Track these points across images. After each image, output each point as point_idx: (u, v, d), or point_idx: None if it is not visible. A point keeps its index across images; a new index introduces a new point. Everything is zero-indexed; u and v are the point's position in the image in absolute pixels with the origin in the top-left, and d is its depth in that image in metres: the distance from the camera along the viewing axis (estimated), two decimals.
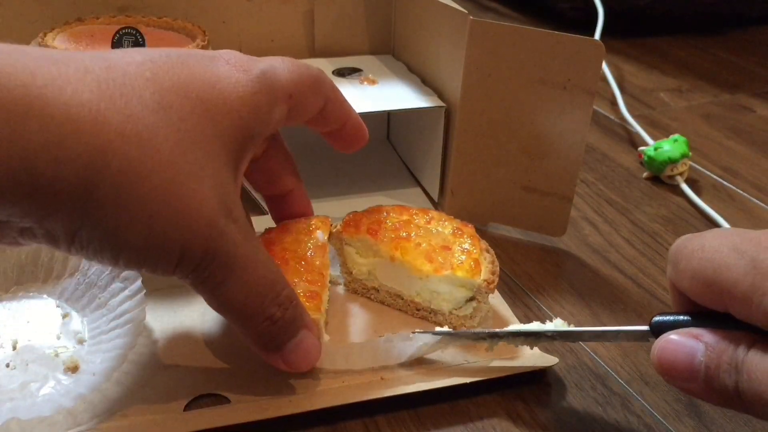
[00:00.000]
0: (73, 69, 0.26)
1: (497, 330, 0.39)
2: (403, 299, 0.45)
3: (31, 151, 0.24)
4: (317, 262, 0.41)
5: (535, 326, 0.38)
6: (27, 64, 0.25)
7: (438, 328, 0.41)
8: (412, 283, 0.43)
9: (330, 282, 0.47)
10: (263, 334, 0.34)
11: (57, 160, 0.24)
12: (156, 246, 0.28)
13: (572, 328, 0.38)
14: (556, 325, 0.38)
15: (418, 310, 0.44)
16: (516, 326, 0.39)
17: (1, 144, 0.23)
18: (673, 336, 0.31)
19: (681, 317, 0.32)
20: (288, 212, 0.43)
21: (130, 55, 0.29)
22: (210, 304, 0.33)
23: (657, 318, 0.33)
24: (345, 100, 0.39)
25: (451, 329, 0.41)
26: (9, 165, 0.24)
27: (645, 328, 0.34)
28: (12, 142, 0.23)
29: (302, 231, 0.42)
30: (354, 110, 0.40)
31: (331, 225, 0.44)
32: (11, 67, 0.24)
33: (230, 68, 0.32)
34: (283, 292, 0.34)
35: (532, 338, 0.38)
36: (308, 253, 0.41)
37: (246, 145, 0.32)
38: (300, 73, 0.35)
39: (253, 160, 0.39)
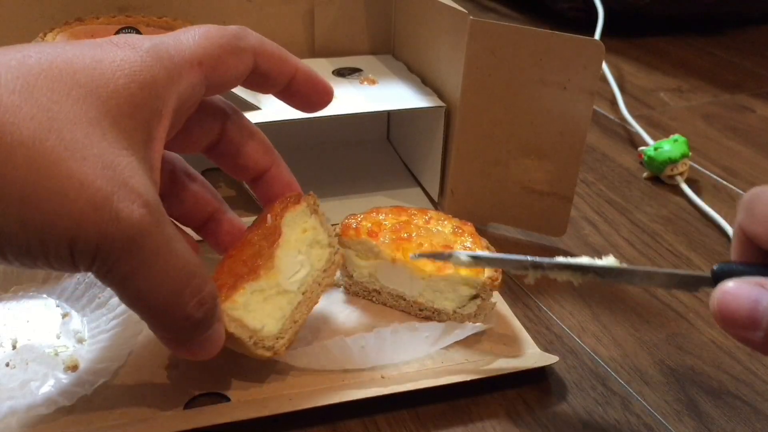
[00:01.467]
0: None
1: (543, 259, 0.36)
2: (405, 300, 0.45)
3: None
4: (266, 251, 0.38)
5: (584, 260, 0.35)
6: None
7: (478, 252, 0.40)
8: (414, 283, 0.43)
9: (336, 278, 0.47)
10: (176, 331, 0.31)
11: None
12: (38, 233, 0.26)
13: (624, 265, 0.35)
14: (608, 261, 0.35)
15: (421, 310, 0.44)
16: (563, 258, 0.36)
17: None
18: (736, 282, 0.29)
19: (746, 266, 0.31)
20: (270, 193, 0.40)
21: (8, 48, 0.28)
22: (121, 300, 0.30)
23: (720, 265, 0.31)
24: (285, 53, 0.36)
25: (491, 253, 0.41)
26: None
27: (706, 273, 0.32)
28: None
29: (262, 219, 0.40)
30: (301, 62, 0.37)
31: (313, 201, 0.41)
32: None
33: (116, 48, 0.30)
34: (205, 288, 0.31)
35: (579, 272, 0.35)
36: (264, 242, 0.39)
37: (149, 122, 0.30)
38: (209, 37, 0.33)
39: (203, 141, 0.37)
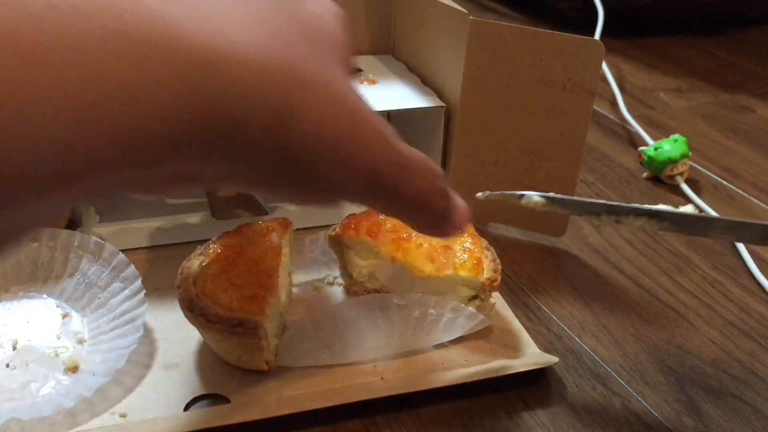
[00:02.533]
0: (235, 11, 0.25)
1: (619, 204, 0.34)
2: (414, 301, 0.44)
3: (223, 102, 0.23)
4: (266, 265, 0.40)
5: (662, 207, 0.34)
6: (198, 10, 0.23)
7: (551, 194, 0.37)
8: (414, 283, 0.43)
9: (327, 283, 0.47)
10: (436, 212, 0.33)
11: (249, 107, 0.24)
12: (344, 173, 0.28)
13: (703, 214, 0.33)
14: (686, 209, 0.34)
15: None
16: (640, 205, 0.35)
17: (192, 96, 0.22)
18: None
19: None
20: None
21: None
22: (393, 211, 0.32)
23: None
24: None
25: (558, 195, 0.37)
26: (201, 117, 0.23)
27: None
28: (203, 93, 0.22)
29: (257, 233, 0.42)
30: None
31: (291, 228, 0.44)
32: (186, 16, 0.23)
33: (317, 6, 0.31)
34: (436, 169, 0.33)
35: (655, 219, 0.34)
36: (259, 256, 0.41)
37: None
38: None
39: None
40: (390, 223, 0.45)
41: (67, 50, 0.19)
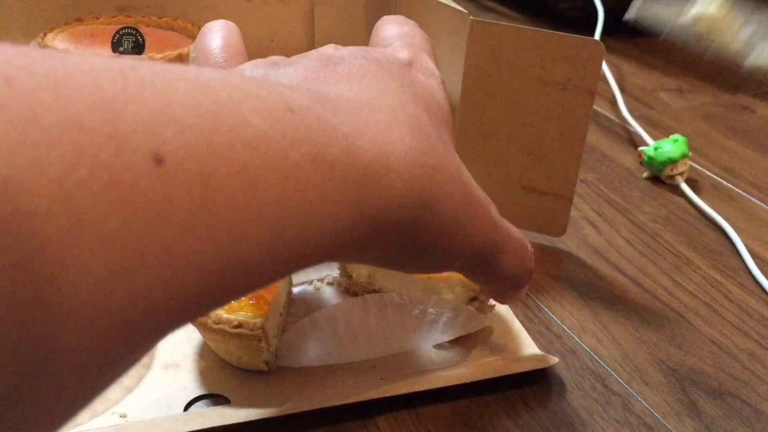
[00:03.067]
0: (387, 115, 0.27)
1: None
2: (403, 300, 0.44)
3: (381, 208, 0.25)
4: None
5: None
6: (364, 124, 0.25)
7: None
8: (412, 284, 0.43)
9: (327, 283, 0.47)
10: (520, 285, 0.35)
11: (398, 209, 0.26)
12: (453, 253, 0.30)
13: None
14: None
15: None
16: None
17: (360, 205, 0.24)
18: None
19: None
20: None
21: (374, 75, 0.30)
22: (484, 282, 0.35)
23: None
24: None
25: None
26: (363, 222, 0.25)
27: None
28: (368, 201, 0.24)
29: None
30: None
31: None
32: (357, 132, 0.25)
33: (425, 77, 0.32)
34: (527, 244, 0.35)
35: None
36: None
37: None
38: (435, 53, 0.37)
39: None
40: None
41: (271, 174, 0.20)
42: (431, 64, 0.34)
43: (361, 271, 0.45)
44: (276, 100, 0.22)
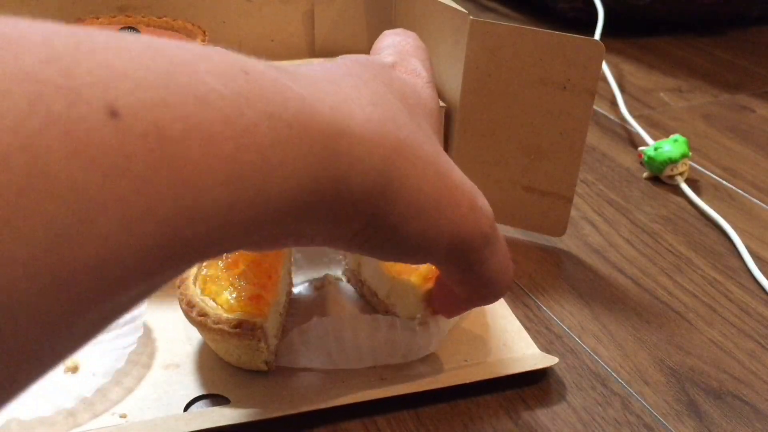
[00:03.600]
0: (348, 88, 0.28)
1: None
2: (378, 298, 0.44)
3: (340, 170, 0.25)
4: (266, 265, 0.40)
5: None
6: (323, 90, 0.26)
7: None
8: (383, 282, 0.43)
9: (328, 283, 0.47)
10: (497, 296, 0.35)
11: (360, 174, 0.26)
12: (429, 239, 0.29)
13: None
14: None
15: (386, 312, 0.43)
16: None
17: (318, 166, 0.24)
18: None
19: None
20: None
21: (348, 67, 0.31)
22: (467, 280, 0.33)
23: None
24: None
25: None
26: (322, 185, 0.25)
27: None
28: (327, 163, 0.24)
29: None
30: None
31: None
32: (315, 96, 0.25)
33: (408, 76, 0.33)
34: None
35: None
36: (260, 257, 0.41)
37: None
38: (430, 63, 0.36)
39: None
40: None
41: (227, 129, 0.20)
42: (418, 66, 0.34)
43: (354, 258, 0.45)
44: (230, 63, 0.22)
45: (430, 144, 0.30)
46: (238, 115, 0.21)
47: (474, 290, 0.34)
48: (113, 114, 0.18)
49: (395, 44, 0.36)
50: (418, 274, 0.40)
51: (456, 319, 0.42)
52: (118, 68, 0.19)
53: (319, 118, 0.24)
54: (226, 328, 0.37)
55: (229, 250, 0.24)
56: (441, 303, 0.39)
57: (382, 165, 0.27)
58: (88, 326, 0.20)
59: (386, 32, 0.37)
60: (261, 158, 0.22)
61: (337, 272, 0.47)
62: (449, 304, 0.38)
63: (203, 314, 0.38)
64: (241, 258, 0.40)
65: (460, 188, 0.30)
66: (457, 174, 0.31)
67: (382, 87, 0.30)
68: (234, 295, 0.38)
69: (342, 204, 0.26)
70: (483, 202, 0.32)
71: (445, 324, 0.41)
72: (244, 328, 0.37)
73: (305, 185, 0.24)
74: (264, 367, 0.39)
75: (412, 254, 0.30)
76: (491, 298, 0.35)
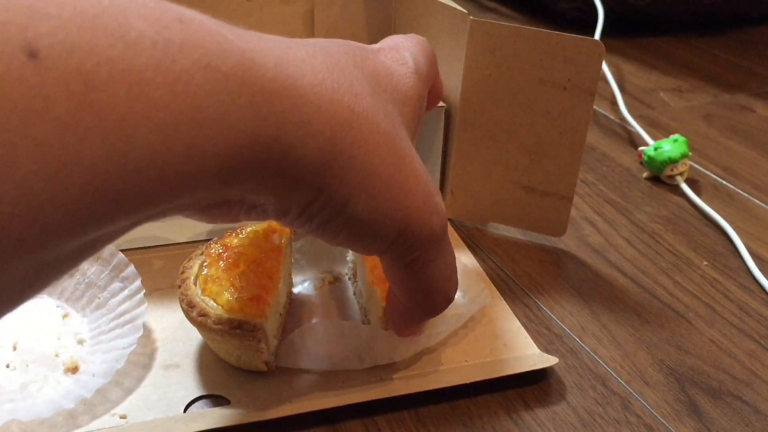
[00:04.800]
0: (303, 52, 0.27)
1: None
2: (363, 298, 0.44)
3: (283, 130, 0.24)
4: (267, 266, 0.40)
5: None
6: (270, 48, 0.25)
7: None
8: (365, 287, 0.43)
9: (328, 282, 0.47)
10: (431, 311, 0.34)
11: (305, 137, 0.25)
12: (378, 222, 0.28)
13: None
14: None
15: (365, 317, 0.43)
16: None
17: (258, 122, 0.23)
18: None
19: None
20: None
21: (320, 43, 0.29)
22: (404, 280, 0.32)
23: None
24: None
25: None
26: (264, 143, 0.24)
27: None
28: (267, 121, 0.23)
29: (259, 235, 0.42)
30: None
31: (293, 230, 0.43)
32: (259, 51, 0.24)
33: (393, 63, 0.32)
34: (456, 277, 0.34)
35: None
36: (261, 257, 0.41)
37: (414, 135, 0.32)
38: (431, 61, 0.35)
39: None
40: None
41: (158, 76, 0.20)
42: (408, 57, 0.33)
43: (354, 258, 0.45)
44: (164, 10, 0.21)
45: (391, 125, 0.28)
46: (170, 63, 0.20)
47: (413, 295, 0.33)
48: (32, 54, 0.17)
49: (395, 40, 0.35)
50: (384, 289, 0.39)
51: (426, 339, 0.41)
52: (40, 8, 0.18)
53: (260, 73, 0.23)
54: (226, 328, 0.37)
55: (172, 211, 0.23)
56: (392, 319, 0.37)
57: (331, 133, 0.26)
58: (15, 280, 0.19)
59: (395, 35, 0.37)
60: (195, 109, 0.21)
61: (342, 270, 0.47)
62: (398, 319, 0.36)
63: (203, 314, 0.38)
64: (242, 258, 0.40)
65: (417, 178, 0.29)
66: (417, 165, 0.29)
67: (347, 60, 0.28)
68: (234, 296, 0.38)
69: (287, 171, 0.25)
70: (439, 201, 0.30)
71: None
72: (244, 329, 0.37)
73: (244, 142, 0.23)
74: (264, 368, 0.39)
75: (359, 238, 0.29)
76: (430, 308, 0.34)
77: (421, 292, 0.33)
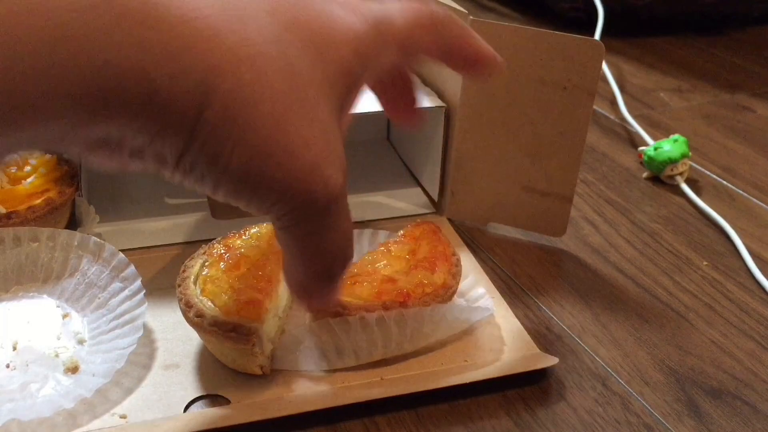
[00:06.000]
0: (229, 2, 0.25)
1: None
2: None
3: (148, 62, 0.23)
4: (268, 269, 0.40)
5: None
6: None
7: None
8: None
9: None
10: (319, 282, 0.32)
11: (172, 74, 0.23)
12: (255, 180, 0.27)
13: None
14: None
15: None
16: None
17: (120, 52, 0.22)
18: None
19: None
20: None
21: None
22: (289, 247, 0.31)
23: None
24: (476, 39, 0.35)
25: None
26: (127, 75, 0.23)
27: None
28: (130, 51, 0.23)
29: (262, 237, 0.42)
30: (483, 43, 0.35)
31: None
32: None
33: (344, 11, 0.30)
34: (351, 252, 0.32)
35: None
36: (262, 260, 0.40)
37: (350, 89, 0.30)
38: (417, 18, 0.33)
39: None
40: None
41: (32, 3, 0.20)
42: (376, 7, 0.31)
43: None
44: None
45: (293, 80, 0.26)
46: None
47: (306, 262, 0.31)
48: None
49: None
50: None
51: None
52: None
53: (143, 3, 0.23)
54: (221, 330, 0.37)
55: (35, 142, 0.23)
56: (290, 287, 0.34)
57: (203, 75, 0.24)
58: None
59: None
60: (52, 24, 0.21)
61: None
62: (296, 287, 0.33)
63: (200, 315, 0.38)
64: (243, 260, 0.40)
65: (308, 142, 0.27)
66: (316, 127, 0.27)
67: (263, 9, 0.27)
68: (232, 298, 0.38)
69: (155, 111, 0.24)
70: (332, 173, 0.28)
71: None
72: (238, 332, 0.37)
73: (103, 70, 0.22)
74: (258, 371, 0.39)
75: (238, 196, 0.28)
76: (324, 278, 0.32)
77: (320, 255, 0.31)
